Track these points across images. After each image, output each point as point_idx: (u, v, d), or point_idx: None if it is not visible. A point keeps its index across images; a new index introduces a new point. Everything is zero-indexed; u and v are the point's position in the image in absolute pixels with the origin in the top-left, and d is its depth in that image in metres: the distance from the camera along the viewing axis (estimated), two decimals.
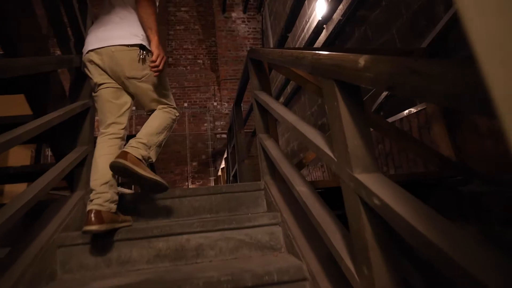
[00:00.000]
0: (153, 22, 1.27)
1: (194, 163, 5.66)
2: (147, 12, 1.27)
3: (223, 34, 6.32)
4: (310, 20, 3.62)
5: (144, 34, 1.30)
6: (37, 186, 0.97)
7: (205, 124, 5.94)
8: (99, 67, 1.27)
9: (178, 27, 6.81)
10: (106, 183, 1.11)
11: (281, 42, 4.27)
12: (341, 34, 2.87)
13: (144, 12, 1.27)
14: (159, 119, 1.37)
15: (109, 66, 1.27)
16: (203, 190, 1.44)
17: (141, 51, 1.27)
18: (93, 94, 1.33)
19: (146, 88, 1.31)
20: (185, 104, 6.07)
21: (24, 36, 1.37)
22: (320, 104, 3.55)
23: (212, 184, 5.58)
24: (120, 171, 1.12)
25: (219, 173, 5.43)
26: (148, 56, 1.28)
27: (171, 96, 1.45)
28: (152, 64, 1.20)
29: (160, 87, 1.34)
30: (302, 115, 3.90)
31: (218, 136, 5.91)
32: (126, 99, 1.35)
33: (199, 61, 6.59)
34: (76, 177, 1.39)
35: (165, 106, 1.40)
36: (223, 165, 4.64)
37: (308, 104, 3.84)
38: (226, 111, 6.04)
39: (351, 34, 2.68)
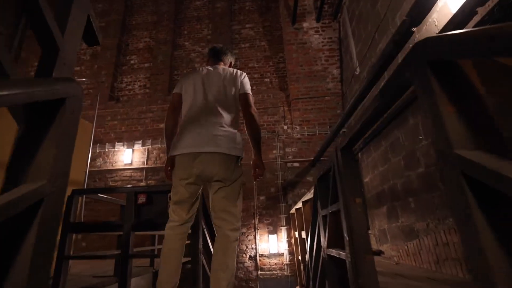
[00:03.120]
0: (260, 136, 1.55)
1: (262, 197, 4.86)
2: (257, 127, 1.52)
3: (293, 48, 5.58)
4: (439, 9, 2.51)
5: (241, 141, 1.50)
6: None
7: (274, 151, 5.14)
8: (189, 166, 1.40)
9: (243, 45, 6.37)
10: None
11: (371, 46, 3.24)
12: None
13: (255, 127, 1.51)
14: (231, 258, 1.36)
15: (202, 169, 1.39)
16: None
17: (239, 159, 1.47)
18: (175, 183, 1.46)
19: (228, 192, 1.42)
20: None
21: None
22: None
23: (283, 223, 4.65)
24: None
25: (292, 210, 4.49)
26: (239, 162, 1.49)
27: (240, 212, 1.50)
28: (256, 174, 1.51)
29: (235, 196, 1.46)
30: (411, 148, 2.73)
31: (289, 165, 5.03)
32: (198, 197, 1.48)
33: (266, 79, 5.95)
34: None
35: (234, 228, 1.41)
36: (299, 205, 3.72)
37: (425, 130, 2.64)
38: (298, 136, 5.15)
39: None
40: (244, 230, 4.70)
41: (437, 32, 2.44)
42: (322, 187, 1.87)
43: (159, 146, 5.57)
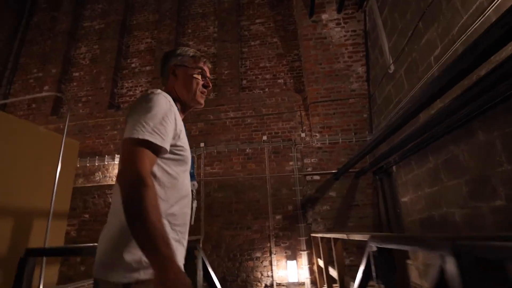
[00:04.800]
0: (141, 223, 0.67)
1: (278, 217, 4.24)
2: (128, 206, 0.69)
3: (310, 43, 4.90)
4: None
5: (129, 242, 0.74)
6: None
7: (291, 163, 4.50)
8: None
9: (253, 43, 5.74)
10: None
11: (413, 38, 2.53)
12: None
13: (125, 207, 0.69)
14: None
15: None
16: None
17: None
18: None
19: None
20: (264, 137, 4.79)
21: None
22: None
23: (304, 247, 4.02)
24: None
25: (315, 234, 3.85)
26: None
27: None
28: None
29: None
30: (480, 171, 2.03)
31: (308, 178, 4.38)
32: None
33: (279, 80, 5.31)
34: None
35: None
36: (326, 235, 3.09)
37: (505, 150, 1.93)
38: (318, 144, 4.49)
39: None
40: (259, 254, 4.10)
41: None
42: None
43: None
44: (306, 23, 5.02)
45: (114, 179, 5.07)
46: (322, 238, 3.32)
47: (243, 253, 4.10)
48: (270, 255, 4.07)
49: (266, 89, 5.25)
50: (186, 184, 0.93)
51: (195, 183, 1.17)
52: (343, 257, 3.02)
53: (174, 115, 0.89)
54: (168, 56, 1.10)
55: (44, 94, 4.67)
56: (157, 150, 0.79)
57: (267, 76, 5.37)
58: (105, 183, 5.09)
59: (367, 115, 4.50)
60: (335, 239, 2.57)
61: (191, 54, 1.09)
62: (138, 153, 0.74)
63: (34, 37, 6.26)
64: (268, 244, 4.12)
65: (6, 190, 2.89)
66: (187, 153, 0.93)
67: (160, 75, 1.12)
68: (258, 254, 4.10)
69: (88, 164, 5.09)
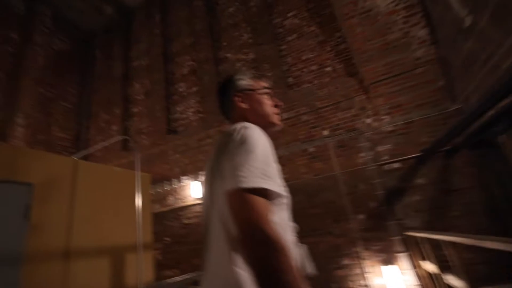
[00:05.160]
0: (270, 272, 0.55)
1: (360, 216, 3.80)
2: (256, 260, 0.58)
3: (354, 21, 4.42)
4: None
5: None
6: None
7: (361, 154, 4.04)
8: None
9: (289, 38, 5.48)
10: None
11: None
12: None
13: (252, 261, 0.58)
14: None
15: None
16: None
17: None
18: None
19: None
20: (325, 132, 4.43)
21: None
22: None
23: (400, 248, 3.49)
24: None
25: (410, 232, 3.32)
26: None
27: None
28: None
29: None
30: None
31: (386, 167, 3.86)
32: None
33: (327, 69, 4.92)
34: None
35: None
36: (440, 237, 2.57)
37: None
38: (390, 128, 3.95)
39: None
40: (347, 261, 3.71)
41: None
42: None
43: None
44: (344, 1, 4.56)
45: (184, 200, 5.28)
46: (425, 239, 2.79)
47: (329, 261, 3.76)
48: (360, 260, 3.65)
49: (315, 81, 4.90)
50: (290, 233, 0.82)
51: (296, 225, 0.97)
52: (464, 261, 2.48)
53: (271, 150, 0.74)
54: (225, 87, 0.96)
55: (114, 139, 5.23)
56: (271, 197, 0.66)
57: (313, 68, 5.02)
58: (177, 206, 5.31)
59: (444, 82, 3.80)
60: (450, 243, 2.08)
61: (250, 75, 0.96)
62: (256, 207, 0.60)
63: (98, 86, 7.06)
64: (356, 249, 3.71)
65: (99, 232, 3.14)
66: (287, 194, 0.78)
67: (222, 111, 0.98)
68: (346, 261, 3.72)
69: (160, 190, 5.40)
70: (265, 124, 0.88)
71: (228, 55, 6.03)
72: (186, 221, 5.17)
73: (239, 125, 0.75)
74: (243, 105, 0.90)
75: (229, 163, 0.66)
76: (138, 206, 3.51)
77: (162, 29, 6.70)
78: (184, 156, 5.47)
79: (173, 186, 5.39)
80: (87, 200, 3.19)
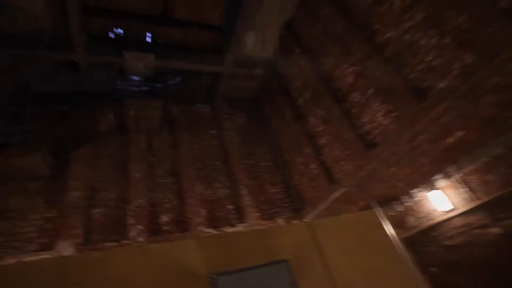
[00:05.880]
0: None
1: None
2: None
3: None
4: None
5: None
6: None
7: None
8: None
9: None
10: None
11: None
12: None
13: None
14: None
15: None
16: None
17: None
18: None
19: None
20: None
21: None
22: None
23: None
24: None
25: None
26: None
27: None
28: None
29: None
30: None
31: None
32: None
33: None
34: None
35: None
36: None
37: None
38: None
39: None
40: None
41: None
42: None
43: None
44: None
45: (429, 216, 4.24)
46: None
47: None
48: None
49: None
50: None
51: None
52: None
53: None
54: None
55: (337, 194, 5.29)
56: None
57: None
58: (424, 226, 4.35)
59: None
60: None
61: None
62: None
63: (281, 137, 7.89)
64: None
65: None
66: None
67: None
68: None
69: (393, 213, 4.70)
70: None
71: (388, 34, 4.98)
72: (448, 242, 4.06)
73: None
74: None
75: None
76: (394, 239, 2.94)
77: (306, 56, 6.71)
78: (401, 166, 4.61)
79: (406, 204, 4.54)
80: (339, 258, 2.98)
